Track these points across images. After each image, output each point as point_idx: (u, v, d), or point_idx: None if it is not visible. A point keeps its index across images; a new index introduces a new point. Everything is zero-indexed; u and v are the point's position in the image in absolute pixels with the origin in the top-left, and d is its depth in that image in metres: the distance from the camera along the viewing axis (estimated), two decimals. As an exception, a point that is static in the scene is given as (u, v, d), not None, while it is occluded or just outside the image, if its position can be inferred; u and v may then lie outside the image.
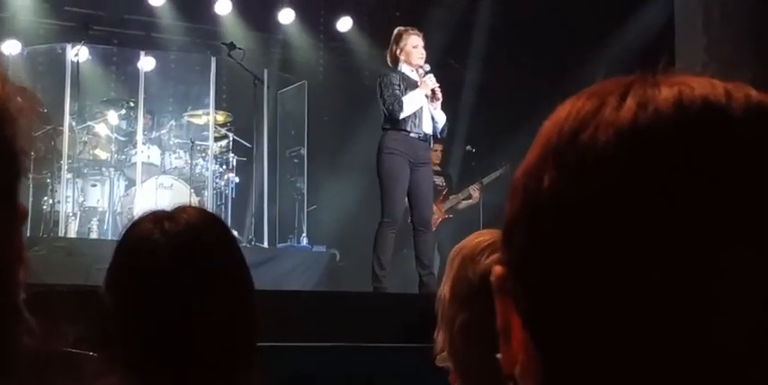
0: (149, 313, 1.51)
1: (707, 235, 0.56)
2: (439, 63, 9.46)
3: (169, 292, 1.52)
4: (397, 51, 6.12)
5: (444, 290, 1.57)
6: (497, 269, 0.65)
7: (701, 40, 6.87)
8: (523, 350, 0.63)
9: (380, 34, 9.51)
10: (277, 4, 9.27)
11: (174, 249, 1.56)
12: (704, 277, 0.56)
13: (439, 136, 6.21)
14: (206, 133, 8.48)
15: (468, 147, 8.80)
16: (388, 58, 6.20)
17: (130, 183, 8.09)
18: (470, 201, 8.49)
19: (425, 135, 6.03)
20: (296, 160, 9.52)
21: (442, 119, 6.12)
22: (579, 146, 0.60)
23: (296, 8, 9.30)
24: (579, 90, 0.65)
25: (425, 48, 6.16)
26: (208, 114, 8.54)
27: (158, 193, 7.92)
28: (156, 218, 1.60)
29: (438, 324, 1.60)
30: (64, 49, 8.24)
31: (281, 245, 8.67)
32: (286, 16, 9.31)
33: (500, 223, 0.66)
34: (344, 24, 9.56)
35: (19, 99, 0.65)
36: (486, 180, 8.48)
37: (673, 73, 0.63)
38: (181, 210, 1.63)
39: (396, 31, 6.21)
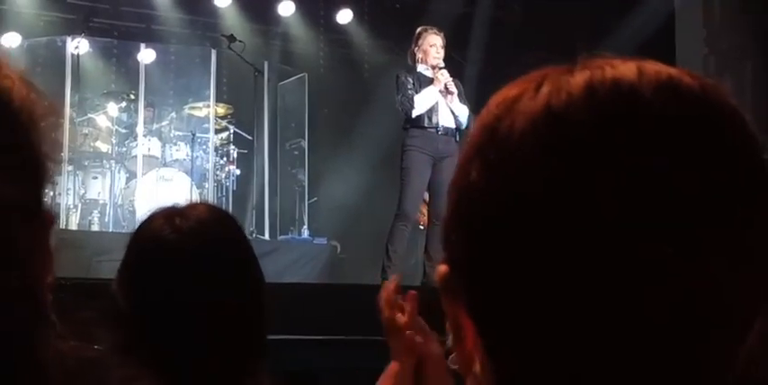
0: (162, 310, 1.51)
1: (622, 218, 0.56)
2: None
3: (181, 289, 1.53)
4: (416, 49, 6.25)
5: None
6: (441, 268, 0.65)
7: (701, 32, 6.86)
8: (477, 348, 0.63)
9: (380, 26, 9.52)
10: (277, -4, 9.26)
11: (185, 245, 1.57)
12: (626, 261, 0.57)
13: (463, 128, 6.25)
14: (207, 125, 8.48)
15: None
16: (408, 57, 6.35)
17: (131, 175, 8.09)
18: None
19: (445, 128, 6.11)
20: (296, 152, 9.52)
21: (462, 112, 6.18)
22: (498, 138, 0.61)
23: (296, 0, 9.28)
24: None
25: (445, 49, 6.24)
26: (208, 106, 8.53)
27: (159, 186, 7.92)
28: (167, 214, 1.61)
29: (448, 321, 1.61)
30: (64, 42, 8.23)
31: (282, 237, 8.67)
32: (286, 8, 9.29)
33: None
34: (344, 16, 9.55)
35: (44, 103, 0.66)
36: None
37: (592, 59, 0.63)
38: (191, 207, 1.64)
39: (417, 30, 6.36)
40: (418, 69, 6.23)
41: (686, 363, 0.57)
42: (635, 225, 0.56)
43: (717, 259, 0.57)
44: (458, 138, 6.27)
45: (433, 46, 6.21)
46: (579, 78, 0.60)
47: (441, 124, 6.11)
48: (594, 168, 0.57)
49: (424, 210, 7.12)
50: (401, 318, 1.91)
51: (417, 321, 1.92)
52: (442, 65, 6.19)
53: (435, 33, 6.26)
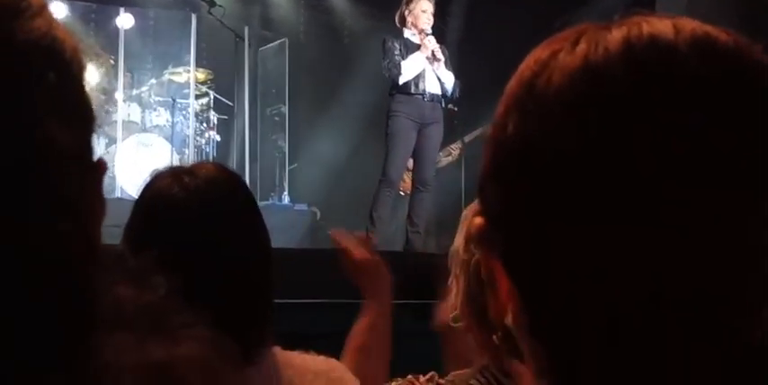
0: (170, 268, 1.52)
1: (658, 174, 0.57)
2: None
3: (190, 246, 1.52)
4: (406, 12, 6.16)
5: (458, 242, 1.60)
6: (477, 220, 0.66)
7: (683, 2, 6.86)
8: (511, 298, 0.65)
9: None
10: (257, -39, 9.18)
11: (193, 203, 1.57)
12: (660, 217, 0.57)
13: (449, 95, 6.22)
14: (187, 91, 8.43)
15: (450, 106, 8.78)
16: (396, 18, 6.23)
17: (111, 140, 8.04)
18: (449, 158, 8.51)
19: (432, 95, 6.10)
20: (277, 118, 9.48)
21: (448, 79, 6.17)
22: (536, 91, 0.62)
23: (276, -35, 9.20)
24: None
25: (435, 14, 6.18)
26: (188, 72, 8.48)
27: (139, 151, 7.88)
28: (175, 173, 1.61)
29: (450, 279, 1.63)
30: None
31: (262, 203, 8.65)
32: (266, -27, 9.22)
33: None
34: (326, -18, 9.48)
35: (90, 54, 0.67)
36: (467, 138, 8.49)
37: (630, 16, 0.64)
38: (199, 166, 1.64)
39: None
40: (405, 35, 6.17)
41: (713, 323, 0.58)
42: (671, 181, 0.57)
43: (750, 218, 0.58)
44: (443, 105, 6.26)
45: (424, 12, 6.13)
46: (617, 34, 0.61)
47: (427, 90, 6.09)
48: (631, 123, 0.58)
49: (407, 177, 7.14)
50: (359, 254, 2.02)
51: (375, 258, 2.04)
52: (429, 31, 6.14)
53: None
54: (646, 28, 0.61)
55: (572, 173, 0.59)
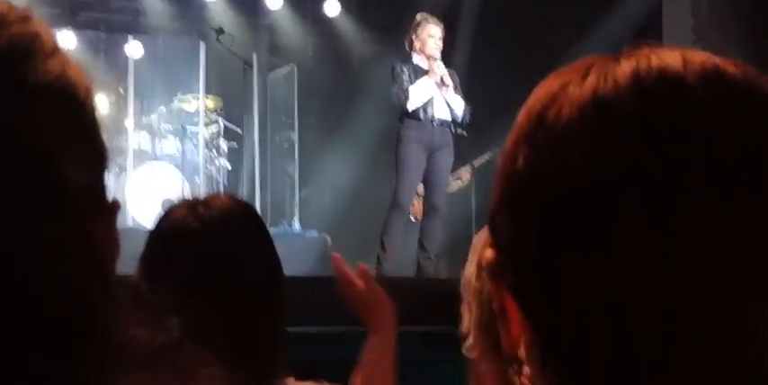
0: (186, 299, 1.52)
1: (666, 208, 0.58)
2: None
3: (205, 277, 1.54)
4: (413, 37, 6.15)
5: (470, 270, 1.60)
6: (488, 252, 0.67)
7: (689, 23, 6.88)
8: (523, 330, 0.65)
9: (368, 18, 9.50)
10: (265, -11, 9.24)
11: (208, 233, 1.58)
12: (671, 245, 0.58)
13: (460, 121, 6.21)
14: (196, 119, 8.46)
15: (460, 131, 8.80)
16: (406, 43, 6.22)
17: (121, 169, 8.07)
18: (460, 183, 8.51)
19: (441, 120, 6.09)
20: (286, 145, 9.51)
21: (458, 104, 6.16)
22: (547, 124, 0.62)
23: (284, -8, 9.27)
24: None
25: (444, 40, 6.20)
26: (198, 99, 8.51)
27: (149, 180, 7.90)
28: (190, 205, 1.63)
29: (463, 306, 1.62)
30: (52, 36, 8.19)
31: (273, 229, 8.60)
32: (274, 1, 9.28)
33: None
34: (332, 8, 9.53)
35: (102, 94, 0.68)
36: (476, 162, 8.49)
37: (638, 48, 0.64)
38: (214, 197, 1.66)
39: (417, 17, 6.23)
40: (414, 60, 6.16)
41: (727, 356, 0.58)
42: (681, 214, 0.57)
43: (755, 248, 0.58)
44: (453, 130, 6.26)
45: (431, 37, 6.13)
46: (626, 67, 0.62)
47: (436, 116, 6.08)
48: (640, 156, 0.58)
49: (416, 202, 7.15)
50: (362, 288, 1.94)
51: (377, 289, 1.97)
52: (438, 56, 6.13)
53: (435, 24, 6.17)
54: (655, 60, 0.62)
55: (582, 206, 0.59)
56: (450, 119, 6.15)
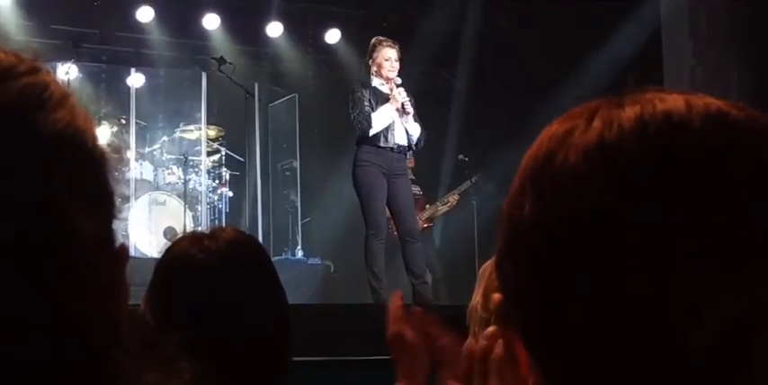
0: (192, 330, 1.52)
1: (673, 248, 0.58)
2: (428, 72, 9.50)
3: (211, 309, 1.55)
4: (369, 62, 6.17)
5: (476, 299, 1.60)
6: (496, 296, 0.67)
7: (689, 43, 6.90)
8: (531, 372, 0.65)
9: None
10: (265, 18, 9.28)
11: (214, 264, 1.59)
12: (677, 288, 0.58)
13: (414, 147, 6.25)
14: (198, 148, 8.49)
15: (461, 156, 8.83)
16: (363, 68, 6.26)
17: (124, 199, 8.06)
18: (446, 207, 8.54)
19: (399, 147, 6.12)
20: (288, 173, 9.52)
21: (415, 131, 6.17)
22: (553, 170, 0.62)
23: (284, 21, 9.31)
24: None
25: (401, 59, 6.20)
26: (200, 129, 8.54)
27: (152, 209, 7.91)
28: (195, 237, 1.65)
29: (469, 334, 1.62)
30: (54, 68, 8.23)
31: (275, 258, 8.65)
32: (274, 30, 9.32)
33: (495, 231, 0.67)
34: (333, 37, 9.58)
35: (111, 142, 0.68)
36: (462, 187, 8.53)
37: (642, 92, 0.65)
38: (219, 230, 1.68)
39: (372, 42, 6.26)
40: (373, 84, 6.16)
41: (743, 374, 0.58)
42: (684, 258, 0.58)
43: (758, 282, 0.58)
44: (407, 157, 6.29)
45: (387, 60, 6.12)
46: (630, 112, 0.62)
47: (396, 142, 6.09)
48: (646, 201, 0.58)
49: (420, 215, 7.12)
50: (409, 334, 1.84)
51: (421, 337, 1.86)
52: (399, 82, 6.13)
53: (390, 46, 6.17)
54: (659, 105, 0.62)
55: (587, 248, 0.59)
56: (406, 144, 6.16)
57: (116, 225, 0.68)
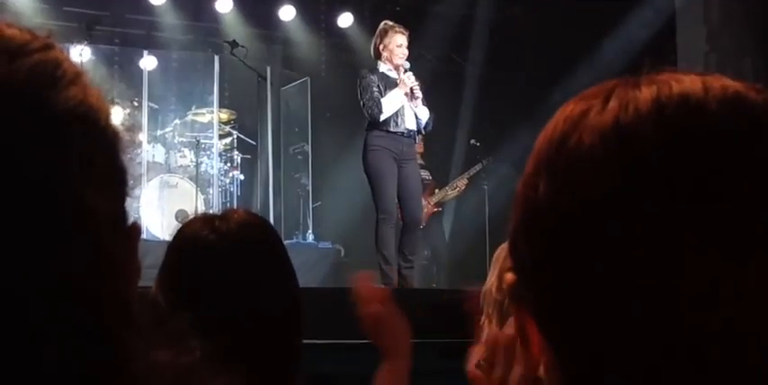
0: (203, 311, 1.53)
1: (678, 239, 0.58)
2: (441, 57, 9.48)
3: (222, 290, 1.55)
4: (381, 47, 6.14)
5: (491, 281, 1.60)
6: (509, 276, 0.67)
7: (702, 30, 6.87)
8: (543, 352, 0.65)
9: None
10: (277, 1, 9.27)
11: (225, 246, 1.59)
12: (682, 280, 0.58)
13: (423, 131, 6.24)
14: (210, 131, 8.50)
15: (473, 141, 8.82)
16: (372, 51, 6.22)
17: (135, 181, 8.10)
18: (455, 192, 8.55)
19: (409, 131, 6.10)
20: (300, 157, 9.52)
21: (424, 115, 6.16)
22: (567, 151, 0.62)
23: (296, 5, 9.29)
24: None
25: (409, 47, 6.17)
26: (212, 112, 8.55)
27: (164, 192, 7.93)
28: (207, 218, 1.65)
29: (482, 319, 1.62)
30: (67, 50, 8.20)
31: (287, 241, 8.62)
32: (287, 13, 9.31)
33: (506, 216, 0.68)
34: (345, 20, 9.56)
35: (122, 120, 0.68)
36: (471, 172, 8.53)
37: (658, 73, 0.64)
38: (231, 211, 1.68)
39: (382, 26, 6.23)
40: (381, 69, 6.13)
41: (747, 362, 0.58)
42: (696, 240, 0.57)
43: (760, 272, 0.58)
44: (416, 141, 6.28)
45: (399, 46, 6.09)
46: (647, 93, 0.61)
47: (406, 127, 6.08)
48: (661, 184, 0.58)
49: (429, 200, 7.11)
50: (384, 312, 1.83)
51: (396, 313, 1.85)
52: (407, 66, 6.12)
53: (402, 32, 6.13)
54: (676, 87, 0.61)
55: (601, 229, 0.59)
56: (416, 129, 6.15)
57: (128, 203, 0.67)
